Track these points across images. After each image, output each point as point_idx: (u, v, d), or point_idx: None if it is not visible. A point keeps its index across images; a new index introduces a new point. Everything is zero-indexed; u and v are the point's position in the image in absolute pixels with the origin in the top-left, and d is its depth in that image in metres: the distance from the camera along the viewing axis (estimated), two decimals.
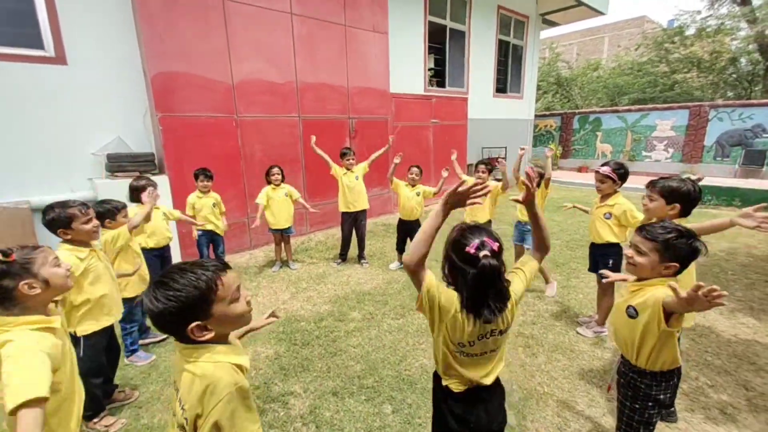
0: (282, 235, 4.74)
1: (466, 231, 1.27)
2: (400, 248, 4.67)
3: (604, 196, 2.94)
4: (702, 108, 11.08)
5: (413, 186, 4.44)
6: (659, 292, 1.45)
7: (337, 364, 2.81)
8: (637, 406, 1.61)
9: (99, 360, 2.14)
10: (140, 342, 3.04)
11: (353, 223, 4.76)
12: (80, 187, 4.50)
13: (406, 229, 4.52)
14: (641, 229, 1.58)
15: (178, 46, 4.54)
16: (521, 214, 3.82)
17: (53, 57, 4.20)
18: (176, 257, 4.59)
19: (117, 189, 3.94)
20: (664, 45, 16.79)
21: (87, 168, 4.51)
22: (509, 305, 1.28)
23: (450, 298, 1.25)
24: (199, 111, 4.80)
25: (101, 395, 2.21)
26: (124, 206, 2.69)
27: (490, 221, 4.05)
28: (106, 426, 2.22)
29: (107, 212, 2.57)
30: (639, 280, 1.60)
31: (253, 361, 2.84)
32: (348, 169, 4.61)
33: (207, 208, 4.11)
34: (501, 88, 10.87)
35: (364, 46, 6.48)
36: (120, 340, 2.63)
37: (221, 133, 5.04)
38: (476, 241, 1.21)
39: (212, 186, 4.18)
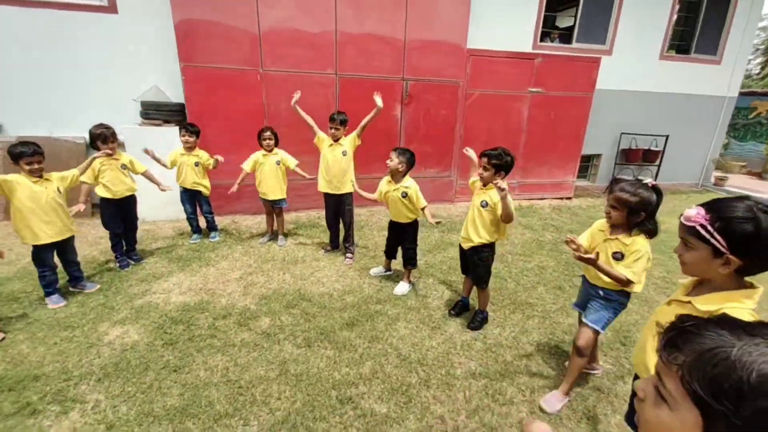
0: (272, 207, 4.28)
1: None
2: (388, 253, 3.58)
3: None
4: None
5: (394, 180, 3.12)
6: None
7: (158, 383, 2.22)
8: None
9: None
10: (71, 289, 3.12)
11: (336, 207, 3.88)
12: (127, 129, 4.97)
13: (396, 233, 3.39)
14: None
15: None
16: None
17: (106, 6, 4.56)
18: (151, 211, 4.67)
19: (148, 135, 4.41)
20: None
21: (132, 112, 4.92)
22: None
23: None
24: (221, 62, 4.59)
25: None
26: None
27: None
28: None
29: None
30: None
31: (101, 342, 2.51)
32: (334, 140, 3.68)
33: (187, 167, 3.95)
34: (681, 46, 7.41)
35: None
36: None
37: (244, 87, 4.75)
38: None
39: (200, 143, 3.99)
